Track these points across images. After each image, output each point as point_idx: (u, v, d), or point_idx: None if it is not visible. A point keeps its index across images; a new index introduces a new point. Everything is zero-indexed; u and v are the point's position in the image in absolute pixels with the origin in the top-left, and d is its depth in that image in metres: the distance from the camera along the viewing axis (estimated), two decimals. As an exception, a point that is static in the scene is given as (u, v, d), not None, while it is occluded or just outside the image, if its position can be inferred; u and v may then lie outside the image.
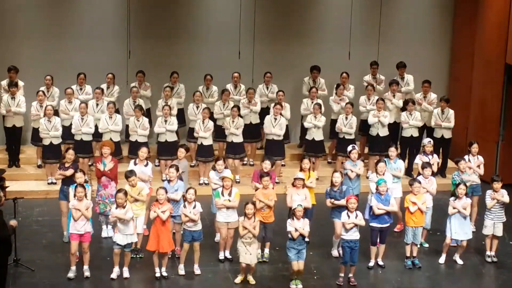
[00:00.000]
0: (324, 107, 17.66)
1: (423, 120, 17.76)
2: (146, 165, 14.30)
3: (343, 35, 19.08)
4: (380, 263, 13.56)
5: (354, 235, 12.79)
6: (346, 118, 17.25)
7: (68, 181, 13.68)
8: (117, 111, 17.18)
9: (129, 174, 13.37)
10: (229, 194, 13.30)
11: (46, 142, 16.50)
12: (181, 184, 13.53)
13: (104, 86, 17.67)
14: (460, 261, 13.84)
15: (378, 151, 17.23)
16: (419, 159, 15.21)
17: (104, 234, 14.24)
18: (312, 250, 13.92)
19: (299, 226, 12.50)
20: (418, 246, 13.81)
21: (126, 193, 12.68)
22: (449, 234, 13.63)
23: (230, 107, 17.22)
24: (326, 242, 14.12)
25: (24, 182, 16.75)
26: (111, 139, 16.39)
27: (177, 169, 13.54)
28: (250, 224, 12.58)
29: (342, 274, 13.01)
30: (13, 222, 11.92)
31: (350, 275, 13.03)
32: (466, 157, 15.05)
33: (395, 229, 14.90)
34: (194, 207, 12.80)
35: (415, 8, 19.79)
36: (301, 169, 14.10)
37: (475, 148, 15.11)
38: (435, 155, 15.44)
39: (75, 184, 12.97)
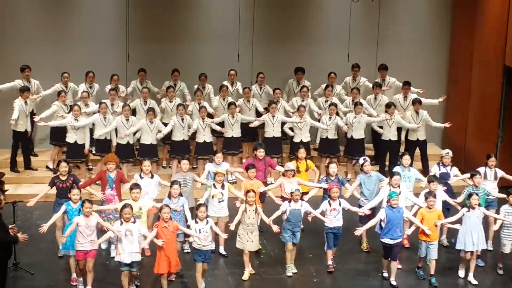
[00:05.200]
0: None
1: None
2: (152, 177, 13.85)
3: (342, 37, 19.04)
4: (393, 282, 13.06)
5: (337, 222, 13.28)
6: (330, 118, 17.28)
7: (63, 194, 13.16)
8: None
9: (134, 186, 12.85)
10: (222, 187, 13.51)
11: (70, 140, 16.44)
12: (184, 200, 13.15)
13: (109, 86, 17.74)
14: (474, 281, 13.28)
15: (351, 154, 17.49)
16: (437, 169, 14.64)
17: (113, 254, 13.43)
18: (307, 238, 14.34)
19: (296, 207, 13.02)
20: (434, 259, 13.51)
21: (132, 208, 12.11)
22: (465, 247, 13.19)
23: (228, 102, 17.37)
24: (322, 231, 13.95)
25: (23, 186, 16.76)
26: (128, 142, 16.52)
27: (180, 185, 13.19)
28: (249, 210, 12.82)
29: (330, 262, 13.49)
30: (21, 237, 11.81)
31: (331, 257, 13.54)
32: (481, 169, 14.46)
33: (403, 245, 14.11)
34: (207, 223, 12.41)
35: (414, 10, 19.80)
36: (298, 159, 14.59)
37: (492, 161, 14.53)
38: (454, 168, 14.78)
39: (69, 202, 12.55)
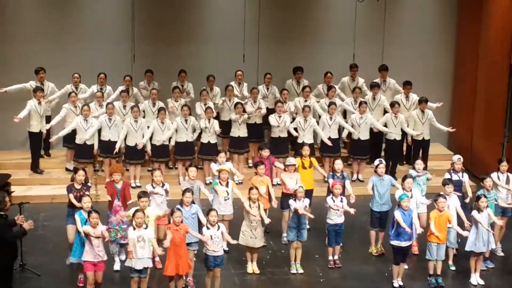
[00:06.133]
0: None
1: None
2: (163, 186, 13.35)
3: (347, 36, 19.11)
4: (400, 283, 13.02)
5: (339, 219, 13.46)
6: (331, 118, 17.28)
7: (71, 202, 12.76)
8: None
9: (143, 195, 12.46)
10: (226, 186, 13.58)
11: (80, 142, 16.51)
12: (197, 207, 12.86)
13: (121, 87, 17.71)
14: (481, 281, 13.26)
15: (358, 154, 17.61)
16: (448, 176, 14.12)
17: (116, 266, 13.24)
18: (313, 238, 14.39)
19: (300, 206, 13.09)
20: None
21: (144, 213, 11.93)
22: (476, 249, 13.07)
23: (234, 103, 17.41)
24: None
25: (29, 187, 16.79)
26: (136, 144, 16.58)
27: (193, 193, 12.86)
28: (252, 207, 13.01)
29: (331, 257, 13.70)
30: (26, 225, 11.72)
31: (336, 257, 13.72)
32: (494, 174, 14.08)
33: (412, 251, 13.94)
34: (218, 229, 12.25)
35: (420, 9, 19.80)
36: (302, 156, 14.73)
37: (504, 165, 14.14)
38: (465, 174, 14.48)
39: (80, 211, 12.24)
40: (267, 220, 13.17)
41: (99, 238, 11.87)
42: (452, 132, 19.09)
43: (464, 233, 13.04)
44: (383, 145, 18.03)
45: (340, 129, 17.73)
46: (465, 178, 14.40)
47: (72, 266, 12.78)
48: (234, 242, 12.70)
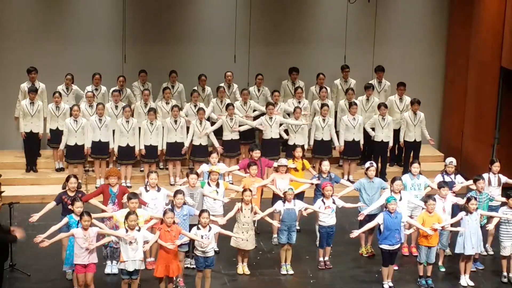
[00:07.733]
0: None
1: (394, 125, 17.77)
2: (159, 190, 13.21)
3: (338, 38, 19.11)
4: (390, 284, 13.04)
5: (331, 220, 13.47)
6: (324, 120, 17.28)
7: (69, 211, 12.36)
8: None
9: (132, 196, 12.28)
10: (217, 186, 13.54)
11: (71, 142, 16.51)
12: (189, 208, 12.80)
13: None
14: (471, 283, 13.30)
15: (349, 155, 17.54)
16: (440, 179, 14.14)
17: (107, 270, 13.15)
18: (303, 239, 14.46)
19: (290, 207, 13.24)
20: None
21: (137, 215, 11.89)
22: (465, 251, 13.08)
23: (225, 104, 17.39)
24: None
25: (20, 187, 16.73)
26: (128, 144, 16.53)
27: (184, 194, 12.71)
28: (245, 209, 12.98)
29: (321, 258, 13.72)
30: (19, 233, 11.74)
31: (326, 258, 13.76)
32: (485, 175, 14.10)
33: (402, 253, 14.19)
34: (210, 230, 12.26)
35: (411, 11, 19.78)
36: (294, 157, 14.77)
37: (496, 166, 14.21)
38: (458, 176, 14.39)
39: (71, 215, 12.10)
40: (275, 223, 13.32)
41: (90, 239, 11.76)
42: (443, 134, 19.17)
43: (459, 229, 13.03)
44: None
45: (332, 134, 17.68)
46: (459, 178, 14.38)
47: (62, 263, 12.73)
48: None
